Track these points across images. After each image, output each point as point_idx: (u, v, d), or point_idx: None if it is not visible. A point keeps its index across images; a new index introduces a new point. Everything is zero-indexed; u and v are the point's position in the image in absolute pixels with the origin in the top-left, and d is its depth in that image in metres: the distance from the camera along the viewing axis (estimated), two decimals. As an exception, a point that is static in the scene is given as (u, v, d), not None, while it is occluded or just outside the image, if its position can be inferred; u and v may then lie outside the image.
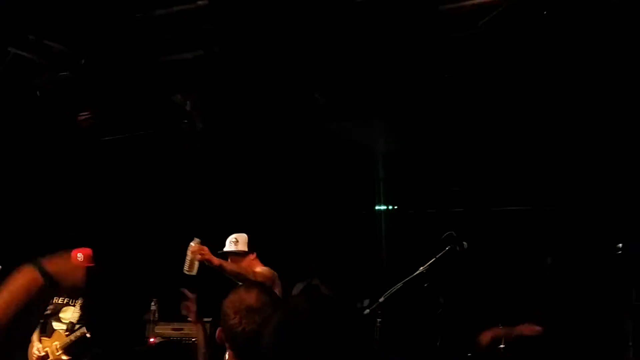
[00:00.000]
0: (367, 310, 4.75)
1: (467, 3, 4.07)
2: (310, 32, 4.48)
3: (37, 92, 5.67)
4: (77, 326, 5.51)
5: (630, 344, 5.88)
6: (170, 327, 6.67)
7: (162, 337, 6.64)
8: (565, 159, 6.33)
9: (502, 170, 6.89)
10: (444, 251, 4.72)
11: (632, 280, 5.99)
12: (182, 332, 6.57)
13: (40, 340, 5.62)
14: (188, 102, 5.03)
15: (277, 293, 4.83)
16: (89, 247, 5.80)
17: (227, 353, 2.36)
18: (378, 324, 4.79)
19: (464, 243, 4.78)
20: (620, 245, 6.38)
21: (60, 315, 5.64)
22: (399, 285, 4.66)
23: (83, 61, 5.16)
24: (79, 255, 5.86)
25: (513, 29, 4.19)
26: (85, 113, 5.55)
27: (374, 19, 4.19)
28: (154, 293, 6.94)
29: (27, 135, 6.10)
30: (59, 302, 5.69)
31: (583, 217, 6.71)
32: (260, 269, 5.06)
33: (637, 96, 4.95)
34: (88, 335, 5.41)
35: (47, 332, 5.66)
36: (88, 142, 6.04)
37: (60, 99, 5.66)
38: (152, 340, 6.61)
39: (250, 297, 2.31)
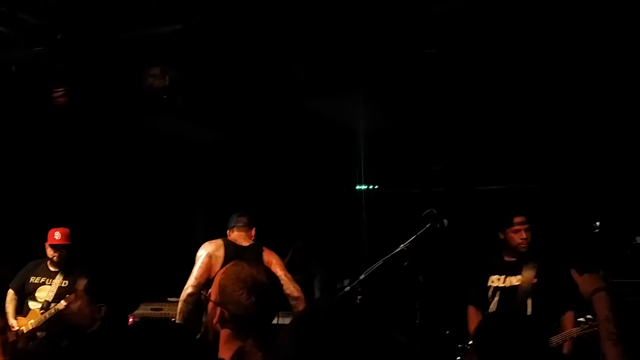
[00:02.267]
0: (348, 288, 4.74)
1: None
2: (290, 6, 4.42)
3: (12, 68, 5.57)
4: (52, 304, 5.50)
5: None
6: (149, 307, 6.64)
7: (141, 317, 6.61)
8: (546, 136, 6.35)
9: (485, 149, 6.90)
10: (424, 228, 4.72)
11: (609, 258, 6.05)
12: (161, 312, 6.53)
13: (15, 319, 5.63)
14: (167, 77, 4.96)
15: None
16: (64, 226, 5.74)
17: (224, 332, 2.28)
18: (358, 301, 4.80)
19: (445, 220, 4.77)
20: (598, 223, 6.44)
21: (37, 294, 5.65)
22: (380, 262, 4.66)
23: (59, 35, 5.06)
24: (57, 234, 5.83)
25: (496, 4, 4.17)
26: (60, 90, 5.45)
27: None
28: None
29: (1, 111, 5.99)
30: (35, 281, 5.67)
31: (563, 195, 6.75)
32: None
33: (618, 74, 4.96)
34: (61, 309, 5.40)
35: (24, 311, 5.67)
36: (64, 118, 5.94)
37: (36, 74, 5.55)
38: (130, 319, 6.58)
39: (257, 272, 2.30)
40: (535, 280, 4.50)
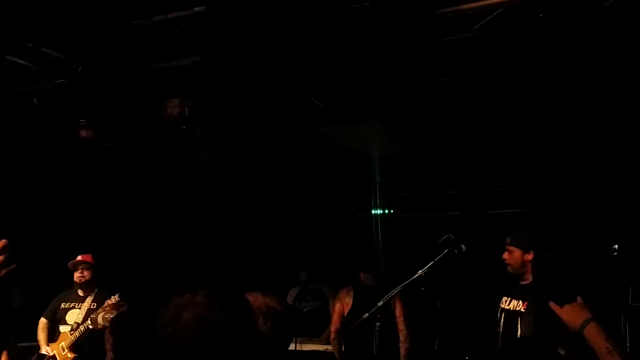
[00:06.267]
0: (366, 315, 4.75)
1: (463, 7, 4.10)
2: (307, 36, 4.49)
3: (34, 100, 5.69)
4: (82, 326, 5.63)
5: (628, 344, 5.91)
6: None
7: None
8: (562, 160, 6.37)
9: (499, 173, 6.92)
10: (442, 254, 4.71)
11: (629, 281, 6.02)
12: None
13: (48, 346, 5.78)
14: (186, 108, 5.05)
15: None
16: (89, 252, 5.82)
17: None
18: (377, 328, 4.80)
19: (462, 246, 4.77)
20: (616, 246, 6.43)
21: (66, 318, 5.82)
22: (398, 288, 4.66)
23: (80, 68, 5.17)
24: (78, 257, 5.88)
25: (508, 33, 4.23)
26: (83, 121, 5.58)
27: (371, 22, 4.22)
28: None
29: (24, 143, 6.10)
30: (65, 307, 5.83)
31: (579, 218, 6.75)
32: None
33: (631, 99, 5.00)
34: (91, 327, 5.51)
35: (55, 336, 5.82)
36: (85, 149, 6.05)
37: (58, 106, 5.67)
38: None
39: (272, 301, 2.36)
40: (525, 304, 4.50)
